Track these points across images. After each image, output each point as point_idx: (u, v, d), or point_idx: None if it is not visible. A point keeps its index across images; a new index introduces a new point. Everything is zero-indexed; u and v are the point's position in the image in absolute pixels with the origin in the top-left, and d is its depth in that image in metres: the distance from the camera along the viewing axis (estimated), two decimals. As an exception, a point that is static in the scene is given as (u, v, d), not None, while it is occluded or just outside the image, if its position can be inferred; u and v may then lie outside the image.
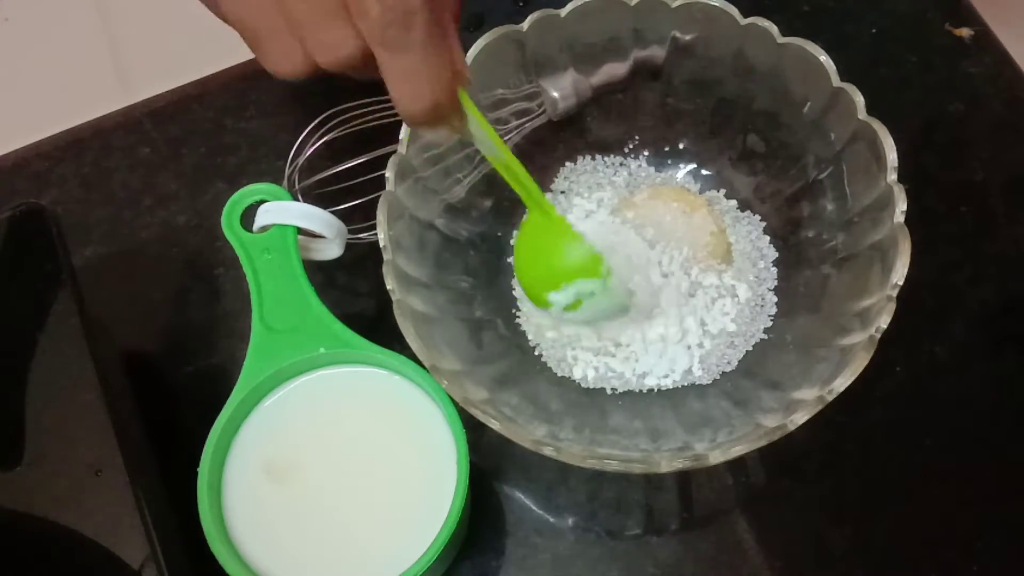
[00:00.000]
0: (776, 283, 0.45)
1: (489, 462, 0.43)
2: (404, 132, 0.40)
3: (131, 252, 0.50)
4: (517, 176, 0.36)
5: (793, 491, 0.43)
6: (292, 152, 0.48)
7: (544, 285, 0.39)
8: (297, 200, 0.42)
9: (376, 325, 0.40)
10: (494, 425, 0.35)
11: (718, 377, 0.43)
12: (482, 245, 0.46)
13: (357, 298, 0.48)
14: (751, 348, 0.43)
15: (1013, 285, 0.47)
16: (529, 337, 0.45)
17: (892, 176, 0.38)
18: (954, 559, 0.41)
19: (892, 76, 0.53)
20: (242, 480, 0.38)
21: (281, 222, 0.40)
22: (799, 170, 0.44)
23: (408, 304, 0.38)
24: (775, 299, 0.44)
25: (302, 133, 0.48)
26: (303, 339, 0.39)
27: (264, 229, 0.41)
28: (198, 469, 0.37)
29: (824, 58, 0.40)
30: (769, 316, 0.44)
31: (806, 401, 0.35)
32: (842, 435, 0.43)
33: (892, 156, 0.38)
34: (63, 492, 0.36)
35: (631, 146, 0.49)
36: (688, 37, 0.43)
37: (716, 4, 0.41)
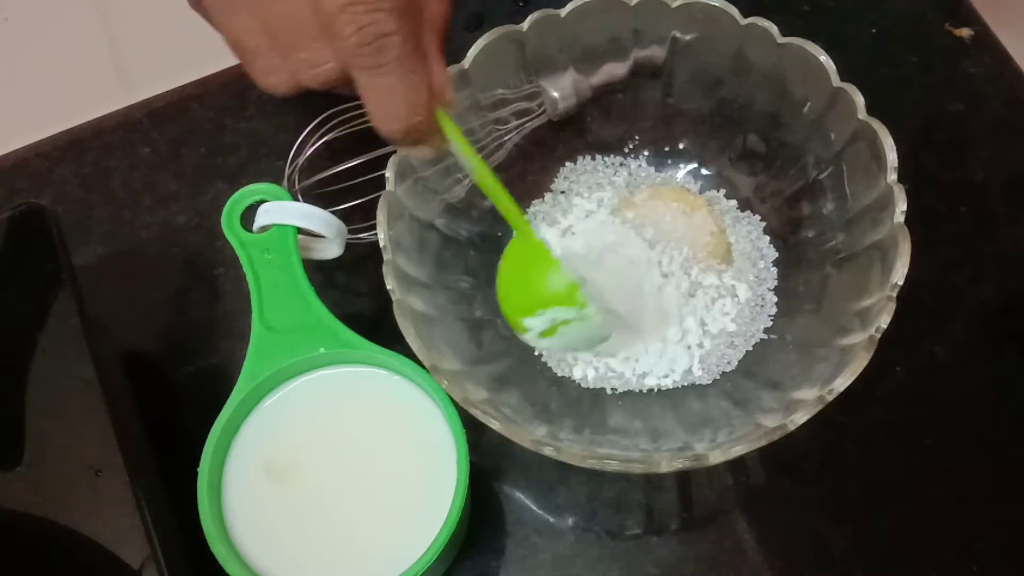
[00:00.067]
0: (776, 283, 0.45)
1: (489, 462, 0.43)
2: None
3: (131, 252, 0.50)
4: (498, 198, 0.36)
5: (793, 491, 0.43)
6: (292, 152, 0.48)
7: (519, 310, 0.38)
8: (297, 200, 0.42)
9: (376, 325, 0.40)
10: (494, 425, 0.35)
11: (718, 377, 0.43)
12: (482, 245, 0.46)
13: (357, 298, 0.48)
14: (751, 348, 0.43)
15: (1013, 285, 0.47)
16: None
17: (892, 176, 0.38)
18: (954, 559, 0.41)
19: (892, 76, 0.53)
20: (242, 480, 0.38)
21: (281, 222, 0.40)
22: (799, 170, 0.44)
23: (408, 304, 0.38)
24: (775, 299, 0.44)
25: (302, 133, 0.48)
26: (303, 339, 0.39)
27: (264, 229, 0.41)
28: (198, 469, 0.37)
29: (824, 58, 0.40)
30: (769, 316, 0.44)
31: (806, 401, 0.35)
32: (842, 435, 0.43)
33: (892, 156, 0.38)
34: (63, 492, 0.36)
35: (631, 146, 0.49)
36: (688, 37, 0.43)
37: (716, 4, 0.41)
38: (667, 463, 0.34)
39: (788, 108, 0.43)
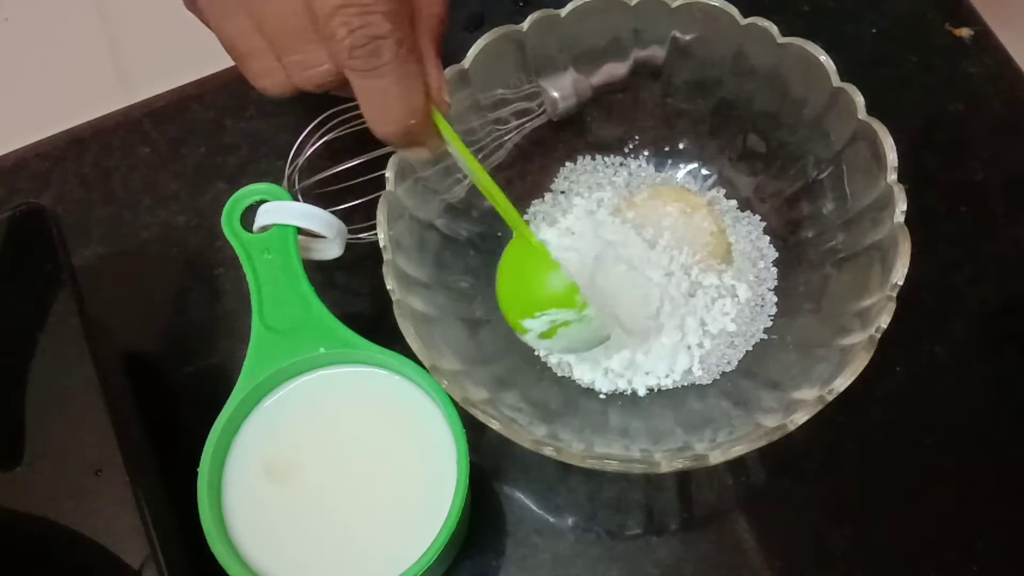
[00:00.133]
0: (776, 283, 0.45)
1: (489, 462, 0.43)
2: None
3: (131, 252, 0.50)
4: (496, 200, 0.36)
5: (793, 491, 0.43)
6: (292, 152, 0.48)
7: (519, 312, 0.38)
8: (297, 200, 0.42)
9: (376, 325, 0.40)
10: (494, 425, 0.35)
11: (718, 377, 0.43)
12: (482, 245, 0.46)
13: (357, 298, 0.48)
14: (751, 348, 0.43)
15: (1013, 285, 0.47)
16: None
17: (892, 176, 0.38)
18: (954, 559, 0.41)
19: (892, 76, 0.53)
20: (242, 480, 0.38)
21: (281, 222, 0.40)
22: (799, 170, 0.44)
23: (408, 304, 0.38)
24: (775, 299, 0.44)
25: (302, 133, 0.48)
26: (303, 339, 0.39)
27: (264, 229, 0.41)
28: (198, 469, 0.37)
29: (824, 58, 0.40)
30: (769, 316, 0.44)
31: (806, 401, 0.35)
32: (842, 435, 0.43)
33: (892, 156, 0.38)
34: (63, 492, 0.36)
35: (631, 146, 0.49)
36: (688, 37, 0.43)
37: (716, 4, 0.41)
38: (667, 463, 0.34)
39: (788, 108, 0.43)
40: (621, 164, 0.49)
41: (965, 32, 0.54)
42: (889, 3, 0.55)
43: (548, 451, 0.35)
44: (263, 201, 0.41)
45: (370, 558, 0.36)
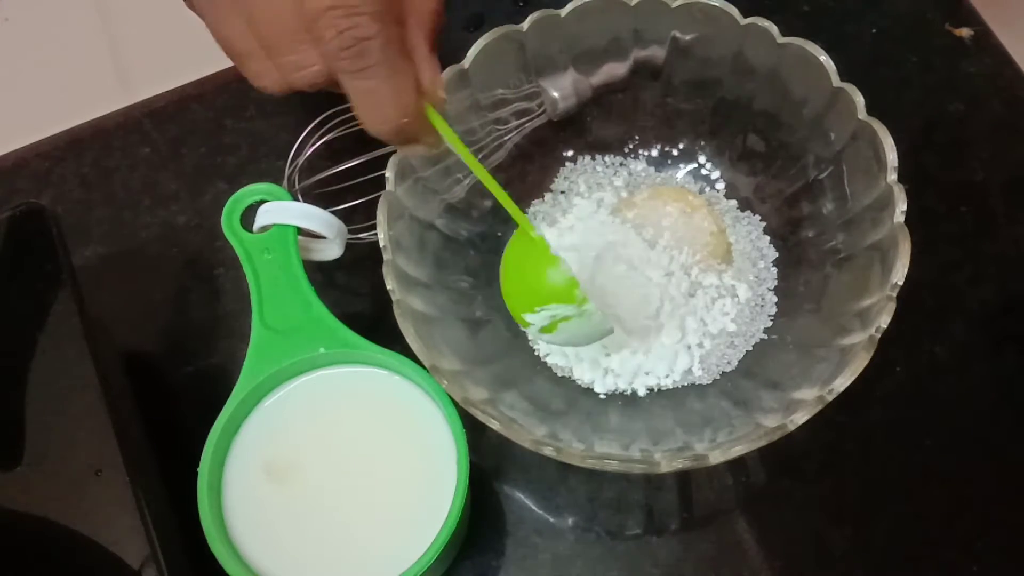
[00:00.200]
0: (776, 283, 0.45)
1: (489, 462, 0.43)
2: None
3: (131, 252, 0.50)
4: (491, 186, 0.36)
5: (793, 491, 0.43)
6: (292, 152, 0.48)
7: (520, 306, 0.38)
8: (297, 200, 0.42)
9: (376, 325, 0.40)
10: (494, 425, 0.35)
11: (718, 377, 0.43)
12: (482, 245, 0.46)
13: (357, 298, 0.48)
14: (751, 348, 0.43)
15: (1013, 285, 0.47)
16: (529, 337, 0.45)
17: (892, 176, 0.38)
18: (954, 559, 0.41)
19: (892, 76, 0.53)
20: (242, 480, 0.38)
21: (281, 222, 0.40)
22: (799, 170, 0.44)
23: (408, 304, 0.38)
24: (775, 299, 0.44)
25: (302, 133, 0.48)
26: (303, 339, 0.39)
27: (264, 229, 0.41)
28: (198, 469, 0.37)
29: (824, 58, 0.40)
30: (769, 316, 0.44)
31: (806, 401, 0.35)
32: (842, 435, 0.43)
33: (892, 156, 0.38)
34: (63, 492, 0.36)
35: (631, 146, 0.49)
36: (688, 37, 0.43)
37: (716, 4, 0.41)
38: (667, 463, 0.34)
39: (788, 108, 0.43)
40: (621, 164, 0.49)
41: (965, 32, 0.54)
42: (889, 3, 0.55)
43: (548, 451, 0.35)
44: (263, 201, 0.41)
45: (370, 558, 0.36)
